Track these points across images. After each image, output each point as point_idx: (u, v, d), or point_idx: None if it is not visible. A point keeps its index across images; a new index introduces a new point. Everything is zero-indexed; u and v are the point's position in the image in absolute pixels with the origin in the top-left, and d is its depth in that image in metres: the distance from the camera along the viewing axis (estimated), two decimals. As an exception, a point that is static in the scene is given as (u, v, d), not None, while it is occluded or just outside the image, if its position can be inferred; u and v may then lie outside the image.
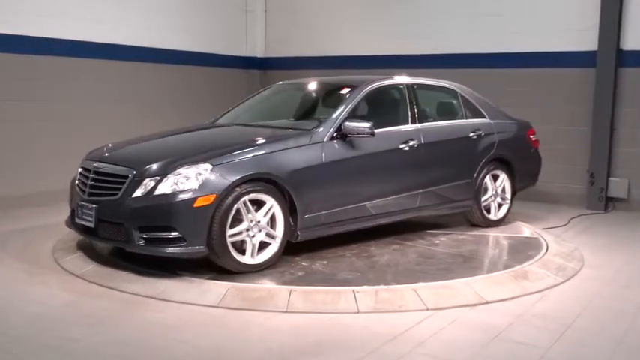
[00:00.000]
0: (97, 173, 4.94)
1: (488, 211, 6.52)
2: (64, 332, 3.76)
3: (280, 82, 6.84)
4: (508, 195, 6.67)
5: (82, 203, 4.92)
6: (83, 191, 4.99)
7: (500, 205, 6.63)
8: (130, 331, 3.81)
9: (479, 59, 8.52)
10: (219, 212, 4.54)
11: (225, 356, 3.52)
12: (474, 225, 6.49)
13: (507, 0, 8.37)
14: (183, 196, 4.51)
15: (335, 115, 5.40)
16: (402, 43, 9.09)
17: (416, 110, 5.95)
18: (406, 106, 5.95)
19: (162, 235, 4.54)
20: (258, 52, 10.44)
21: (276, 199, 4.83)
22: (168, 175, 4.61)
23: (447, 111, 6.54)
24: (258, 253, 4.79)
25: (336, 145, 5.26)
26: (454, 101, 6.55)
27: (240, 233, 4.69)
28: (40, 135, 7.53)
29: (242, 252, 4.73)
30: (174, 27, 9.05)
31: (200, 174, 4.59)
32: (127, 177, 4.72)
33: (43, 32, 7.47)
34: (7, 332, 3.77)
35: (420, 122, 5.94)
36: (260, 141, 5.08)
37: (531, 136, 6.98)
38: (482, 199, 6.42)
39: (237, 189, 4.64)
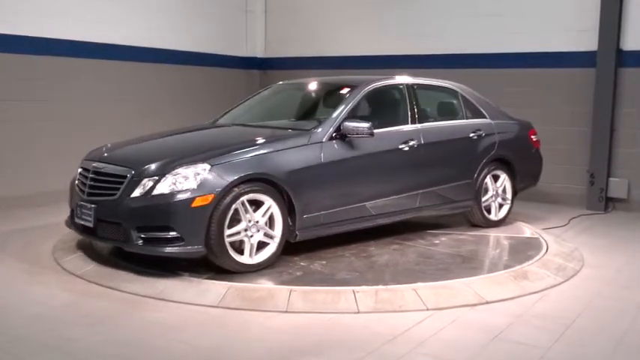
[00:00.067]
0: (96, 173, 4.94)
1: (489, 212, 6.51)
2: (64, 332, 3.76)
3: (280, 82, 6.85)
4: (509, 195, 6.67)
5: (81, 203, 4.92)
6: (82, 191, 5.00)
7: (500, 206, 6.62)
8: (130, 331, 3.81)
9: (479, 59, 8.53)
10: (217, 212, 4.54)
11: (225, 356, 3.52)
12: (475, 225, 6.49)
13: (507, 0, 8.37)
14: (181, 196, 4.51)
15: (334, 115, 5.40)
16: (402, 44, 9.09)
17: (416, 110, 5.95)
18: (406, 106, 5.95)
19: (161, 234, 4.54)
20: (258, 53, 10.44)
21: (275, 199, 4.83)
22: (167, 175, 4.61)
23: (447, 111, 6.54)
24: (256, 253, 4.80)
25: (335, 145, 5.26)
26: (454, 101, 6.55)
27: (238, 233, 4.69)
28: (40, 135, 7.53)
29: (240, 252, 4.73)
30: (174, 27, 9.06)
31: (198, 174, 4.59)
32: (125, 177, 4.72)
33: (43, 32, 7.47)
34: (7, 332, 3.77)
35: (419, 122, 5.93)
36: (259, 141, 5.09)
37: (532, 137, 6.97)
38: (483, 199, 6.42)
39: (236, 189, 4.64)
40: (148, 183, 4.62)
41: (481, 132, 6.39)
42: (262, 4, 10.41)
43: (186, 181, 4.57)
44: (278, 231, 4.89)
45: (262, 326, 3.93)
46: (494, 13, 8.43)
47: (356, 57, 9.44)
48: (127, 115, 8.37)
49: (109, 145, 5.53)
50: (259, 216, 4.78)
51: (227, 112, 6.46)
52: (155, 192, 4.58)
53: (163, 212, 4.53)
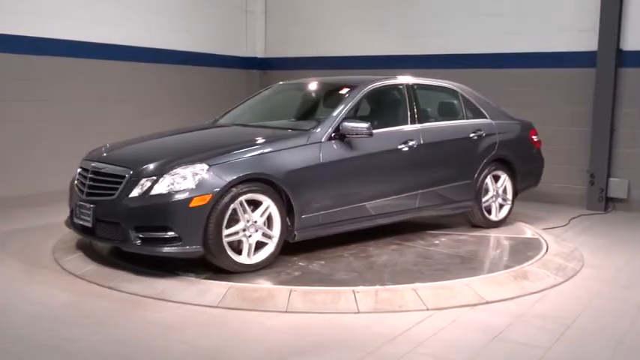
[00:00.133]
0: (95, 173, 4.95)
1: (489, 212, 6.50)
2: (64, 332, 3.76)
3: (281, 83, 6.85)
4: (509, 196, 6.66)
5: (81, 203, 4.93)
6: (81, 191, 5.01)
7: (501, 206, 6.61)
8: (130, 331, 3.81)
9: (479, 59, 8.53)
10: (215, 212, 4.55)
11: (225, 356, 3.52)
12: (475, 226, 6.48)
13: (507, 0, 8.37)
14: (179, 196, 4.51)
15: (333, 116, 5.40)
16: (402, 44, 9.09)
17: (415, 110, 5.94)
18: (405, 106, 5.94)
19: (159, 234, 4.55)
20: (259, 53, 10.44)
21: (273, 199, 4.83)
22: (165, 175, 4.61)
23: (447, 111, 6.53)
24: (255, 253, 4.80)
25: (334, 146, 5.26)
26: (455, 101, 6.54)
27: (236, 233, 4.69)
28: (40, 135, 7.53)
29: (239, 252, 4.73)
30: (174, 27, 9.06)
31: (196, 174, 4.59)
32: (124, 177, 4.73)
33: (43, 32, 7.47)
34: (7, 332, 3.77)
35: (419, 122, 5.93)
36: (257, 141, 5.09)
37: (533, 137, 6.96)
38: (483, 199, 6.41)
39: (234, 189, 4.64)
40: (146, 183, 4.62)
41: (481, 132, 6.39)
42: (262, 4, 10.41)
43: (184, 181, 4.57)
44: (276, 231, 4.88)
45: (262, 326, 3.93)
46: (494, 13, 8.43)
47: (356, 57, 9.44)
48: (127, 115, 8.37)
49: (108, 145, 5.53)
50: (257, 216, 4.78)
51: (227, 112, 6.46)
52: (153, 192, 4.58)
53: (161, 212, 4.54)
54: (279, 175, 4.86)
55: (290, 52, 10.15)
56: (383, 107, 6.17)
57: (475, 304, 4.36)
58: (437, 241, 5.87)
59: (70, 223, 5.20)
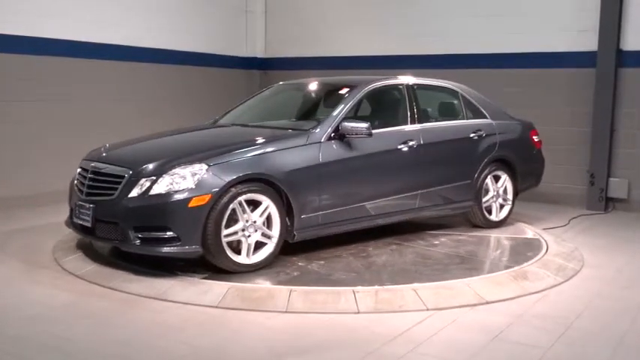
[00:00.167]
0: (95, 173, 4.95)
1: (490, 212, 6.50)
2: (64, 332, 3.76)
3: (281, 83, 6.85)
4: (510, 196, 6.65)
5: (80, 203, 4.93)
6: (81, 191, 5.01)
7: (501, 206, 6.61)
8: (130, 331, 3.81)
9: (479, 59, 8.53)
10: (214, 212, 4.55)
11: (225, 356, 3.52)
12: (476, 226, 6.48)
13: (507, 0, 8.37)
14: (178, 196, 4.51)
15: (332, 116, 5.40)
16: (402, 44, 9.09)
17: (415, 110, 5.94)
18: (405, 106, 5.94)
19: (158, 234, 4.55)
20: (259, 53, 10.44)
21: (273, 199, 4.83)
22: (164, 175, 4.62)
23: (447, 111, 6.53)
24: (254, 253, 4.80)
25: (334, 146, 5.26)
26: (455, 101, 6.54)
27: (235, 233, 4.69)
28: (40, 135, 7.53)
29: (238, 252, 4.73)
30: (174, 27, 9.06)
31: (195, 174, 4.59)
32: (123, 177, 4.73)
33: (43, 32, 7.47)
34: (7, 332, 3.77)
35: (419, 122, 5.93)
36: (257, 141, 5.09)
37: (534, 137, 6.95)
38: (484, 199, 6.41)
39: (233, 189, 4.64)
40: (145, 183, 4.63)
41: (482, 132, 6.39)
42: (262, 4, 10.41)
43: (183, 181, 4.58)
44: (276, 231, 4.88)
45: (262, 326, 3.93)
46: (494, 13, 8.43)
47: (356, 57, 9.44)
48: (127, 116, 8.37)
49: (108, 145, 5.54)
50: (257, 216, 4.78)
51: (227, 113, 6.47)
52: (152, 192, 4.58)
53: (160, 212, 4.54)
54: (279, 175, 4.86)
55: (290, 52, 10.15)
56: (383, 107, 6.17)
57: (475, 304, 4.36)
58: (437, 242, 5.87)
59: (70, 222, 5.21)
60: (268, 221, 4.86)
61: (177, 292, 4.39)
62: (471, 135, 6.32)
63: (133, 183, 4.66)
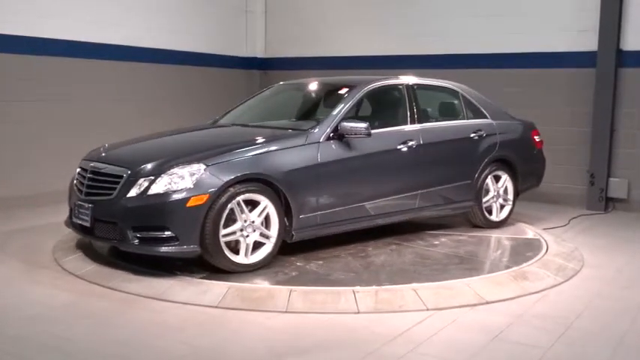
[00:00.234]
0: (94, 173, 4.96)
1: (490, 212, 6.49)
2: (64, 332, 3.76)
3: (281, 83, 6.85)
4: (510, 196, 6.64)
5: (79, 202, 4.94)
6: (80, 191, 5.02)
7: (502, 206, 6.60)
8: (130, 331, 3.81)
9: (479, 59, 8.53)
10: (212, 212, 4.55)
11: (225, 356, 3.52)
12: (476, 226, 6.48)
13: (507, 0, 8.37)
14: (176, 196, 4.52)
15: (331, 116, 5.40)
16: (402, 44, 9.09)
17: (415, 111, 5.94)
18: (405, 106, 5.94)
19: (156, 234, 4.55)
20: (259, 53, 10.44)
21: (271, 199, 4.83)
22: (162, 175, 4.62)
23: (448, 111, 6.53)
24: (252, 253, 4.80)
25: (333, 146, 5.26)
26: (455, 101, 6.54)
27: (234, 233, 4.69)
28: (40, 135, 7.53)
29: (237, 252, 4.73)
30: (174, 27, 9.06)
31: (194, 174, 4.60)
32: (122, 177, 4.74)
33: (43, 33, 7.47)
34: (7, 332, 3.77)
35: (419, 122, 5.92)
36: (255, 141, 5.09)
37: (535, 137, 6.94)
38: (484, 200, 6.40)
39: (231, 189, 4.64)
40: (143, 183, 4.63)
41: (482, 132, 6.38)
42: (262, 4, 10.41)
43: (181, 180, 4.58)
44: (274, 231, 4.88)
45: (262, 326, 3.93)
46: (494, 13, 8.43)
47: (356, 57, 9.44)
48: (127, 116, 8.37)
49: (107, 145, 5.55)
50: (255, 216, 4.78)
51: (227, 113, 6.47)
52: (151, 192, 4.59)
53: (158, 212, 4.54)
54: (277, 175, 4.86)
55: (290, 52, 10.15)
56: (382, 107, 6.17)
57: (475, 305, 4.36)
58: (436, 242, 5.87)
59: (70, 222, 5.21)
60: (267, 221, 4.86)
61: (177, 292, 4.39)
62: (471, 135, 6.32)
63: (131, 183, 4.66)
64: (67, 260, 5.10)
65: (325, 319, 4.06)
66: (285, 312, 4.15)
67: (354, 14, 9.61)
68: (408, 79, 6.16)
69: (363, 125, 5.23)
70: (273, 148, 5.00)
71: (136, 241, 4.60)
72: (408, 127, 5.85)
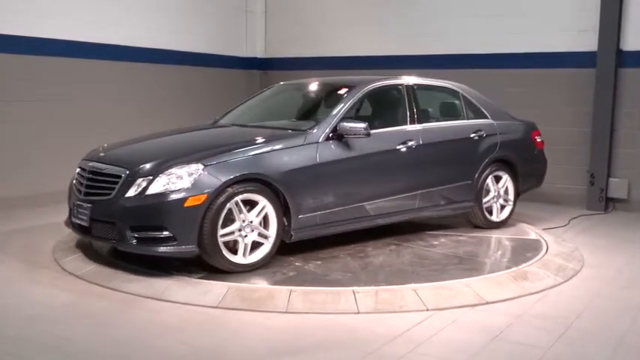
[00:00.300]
0: (93, 173, 4.97)
1: (490, 213, 6.48)
2: (64, 332, 3.76)
3: (282, 83, 6.85)
4: (511, 196, 6.63)
5: (78, 202, 4.95)
6: (80, 191, 5.02)
7: (502, 207, 6.59)
8: (130, 332, 3.81)
9: (479, 60, 8.53)
10: (210, 212, 4.55)
11: (224, 357, 3.52)
12: (477, 226, 6.47)
13: (507, 0, 8.37)
14: (174, 196, 4.52)
15: (330, 116, 5.40)
16: (402, 44, 9.09)
17: (415, 111, 5.94)
18: (405, 106, 5.93)
19: (154, 234, 4.56)
20: (259, 53, 10.44)
21: (269, 199, 4.83)
22: (161, 175, 4.62)
23: (448, 111, 6.53)
24: (250, 253, 4.80)
25: (332, 146, 5.26)
26: (455, 102, 6.53)
27: (232, 233, 4.69)
28: (40, 135, 7.52)
29: (235, 252, 4.73)
30: (174, 27, 9.05)
31: (192, 174, 4.60)
32: (120, 177, 4.74)
33: (43, 33, 7.47)
34: (7, 332, 3.77)
35: (419, 123, 5.92)
36: (254, 141, 5.08)
37: (536, 137, 6.92)
38: (484, 200, 6.39)
39: (229, 189, 4.64)
40: (142, 183, 4.64)
41: (482, 132, 6.38)
42: (262, 4, 10.41)
43: (179, 180, 4.58)
44: (272, 231, 4.88)
45: (262, 326, 3.93)
46: (494, 13, 8.43)
47: (356, 57, 9.44)
48: (127, 116, 8.37)
49: (106, 145, 5.55)
50: (253, 216, 4.78)
51: (228, 113, 6.47)
52: (149, 192, 4.59)
53: (156, 212, 4.55)
54: (276, 175, 4.86)
55: (290, 53, 10.15)
56: (382, 107, 6.17)
57: (475, 305, 4.36)
58: (436, 242, 5.87)
59: (69, 222, 5.21)
60: (265, 221, 4.86)
61: (177, 292, 4.39)
62: (472, 135, 6.32)
63: (129, 183, 4.67)
64: (67, 260, 5.10)
65: (325, 319, 4.06)
66: (285, 312, 4.15)
67: (354, 14, 9.61)
68: (408, 79, 6.16)
69: (362, 125, 5.23)
70: (271, 148, 5.00)
71: (134, 241, 4.60)
72: (408, 128, 5.84)
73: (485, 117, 6.56)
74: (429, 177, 5.91)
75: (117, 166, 4.87)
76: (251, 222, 4.77)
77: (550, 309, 4.35)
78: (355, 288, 4.41)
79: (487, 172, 6.37)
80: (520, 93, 8.25)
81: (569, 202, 8.01)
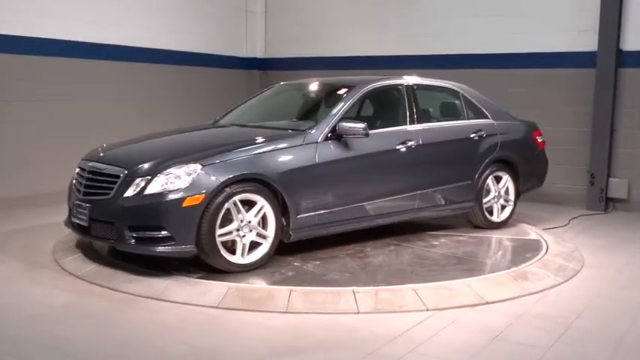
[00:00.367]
0: (92, 173, 4.97)
1: (491, 213, 6.48)
2: (64, 332, 3.76)
3: (282, 83, 6.85)
4: (512, 197, 6.62)
5: (78, 202, 4.95)
6: (79, 190, 5.03)
7: (503, 207, 6.59)
8: (130, 332, 3.81)
9: (479, 60, 8.53)
10: (208, 212, 4.55)
11: (224, 356, 3.52)
12: (477, 227, 6.46)
13: (507, 0, 8.37)
14: (172, 196, 4.52)
15: (329, 116, 5.40)
16: (402, 44, 9.10)
17: (415, 111, 5.93)
18: (405, 106, 5.93)
19: (152, 234, 4.56)
20: (259, 53, 10.44)
21: (268, 200, 4.83)
22: (159, 175, 4.62)
23: (448, 111, 6.52)
24: (249, 253, 4.80)
25: (331, 146, 5.26)
26: (456, 102, 6.53)
27: (230, 233, 4.69)
28: (40, 135, 7.52)
29: (233, 252, 4.73)
30: (174, 27, 9.05)
31: (190, 174, 4.60)
32: (119, 176, 4.74)
33: (43, 33, 7.47)
34: (7, 332, 3.77)
35: (419, 123, 5.92)
36: (253, 141, 5.08)
37: (537, 137, 6.91)
38: (485, 200, 6.39)
39: (227, 189, 4.65)
40: (140, 182, 4.64)
41: (482, 132, 6.37)
42: (262, 4, 10.41)
43: (178, 180, 4.58)
44: (271, 231, 4.88)
45: (262, 326, 3.93)
46: (494, 13, 8.43)
47: (356, 57, 9.44)
48: (127, 116, 8.37)
49: (105, 145, 5.56)
50: (252, 216, 4.78)
51: (228, 113, 6.47)
52: (147, 191, 4.59)
53: (154, 211, 4.55)
54: (274, 175, 4.86)
55: (290, 53, 10.15)
56: (382, 107, 6.17)
57: (475, 305, 4.36)
58: (436, 242, 5.86)
59: (69, 222, 5.22)
60: (263, 221, 4.86)
61: (177, 292, 4.38)
62: (472, 135, 6.31)
63: (128, 183, 4.67)
64: (67, 260, 5.10)
65: (325, 319, 4.06)
66: (285, 312, 4.15)
67: (354, 14, 9.61)
68: (408, 79, 6.16)
69: (360, 125, 5.23)
70: (270, 148, 5.00)
71: (133, 240, 4.60)
72: (408, 128, 5.84)
73: (486, 117, 6.56)
74: (428, 177, 5.90)
75: (116, 165, 4.88)
76: (249, 222, 4.77)
77: (550, 309, 4.35)
78: (355, 288, 4.41)
79: (487, 172, 6.37)
80: (520, 93, 8.25)
81: (569, 202, 8.01)
